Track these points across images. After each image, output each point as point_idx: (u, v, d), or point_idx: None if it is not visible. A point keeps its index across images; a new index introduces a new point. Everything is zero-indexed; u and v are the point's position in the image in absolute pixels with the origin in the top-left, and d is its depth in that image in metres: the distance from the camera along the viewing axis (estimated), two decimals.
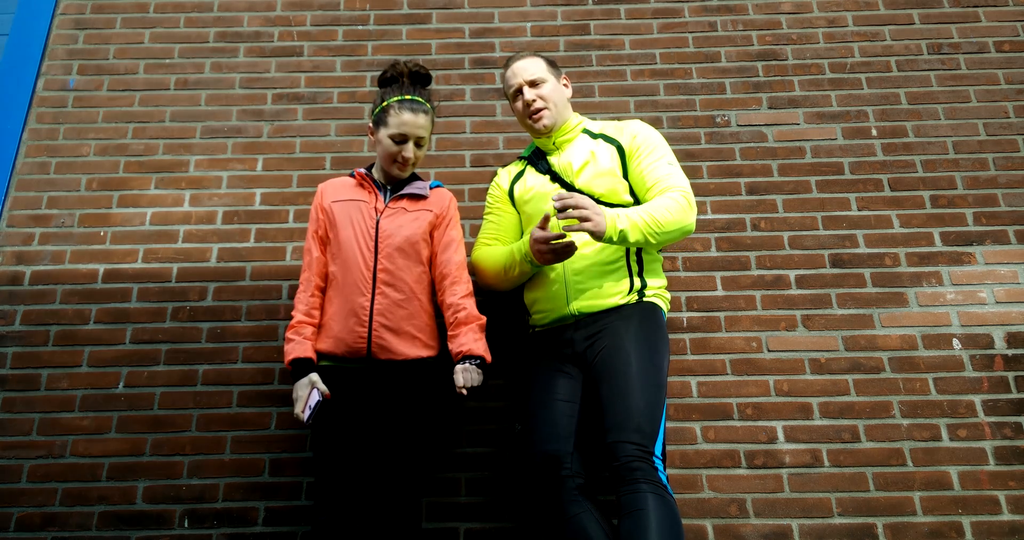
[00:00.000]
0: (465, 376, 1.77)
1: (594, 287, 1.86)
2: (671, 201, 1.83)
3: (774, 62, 2.70)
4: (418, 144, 1.92)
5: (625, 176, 1.96)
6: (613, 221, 1.74)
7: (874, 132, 2.57)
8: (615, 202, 1.93)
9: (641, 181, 1.93)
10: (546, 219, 1.81)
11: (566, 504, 1.73)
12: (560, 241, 1.77)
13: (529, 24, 2.79)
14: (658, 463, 1.68)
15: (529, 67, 2.03)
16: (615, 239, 1.75)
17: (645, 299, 1.88)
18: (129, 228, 2.47)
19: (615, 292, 1.86)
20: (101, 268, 2.42)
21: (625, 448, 1.65)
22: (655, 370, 1.76)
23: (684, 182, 1.91)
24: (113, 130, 2.62)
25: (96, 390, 2.26)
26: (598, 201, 1.93)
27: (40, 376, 2.27)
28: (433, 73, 2.69)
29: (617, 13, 2.80)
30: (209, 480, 2.15)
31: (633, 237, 1.76)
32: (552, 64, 2.09)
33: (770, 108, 2.63)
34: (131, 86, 2.70)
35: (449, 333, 1.88)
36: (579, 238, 1.90)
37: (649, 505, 1.58)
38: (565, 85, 2.10)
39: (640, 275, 1.89)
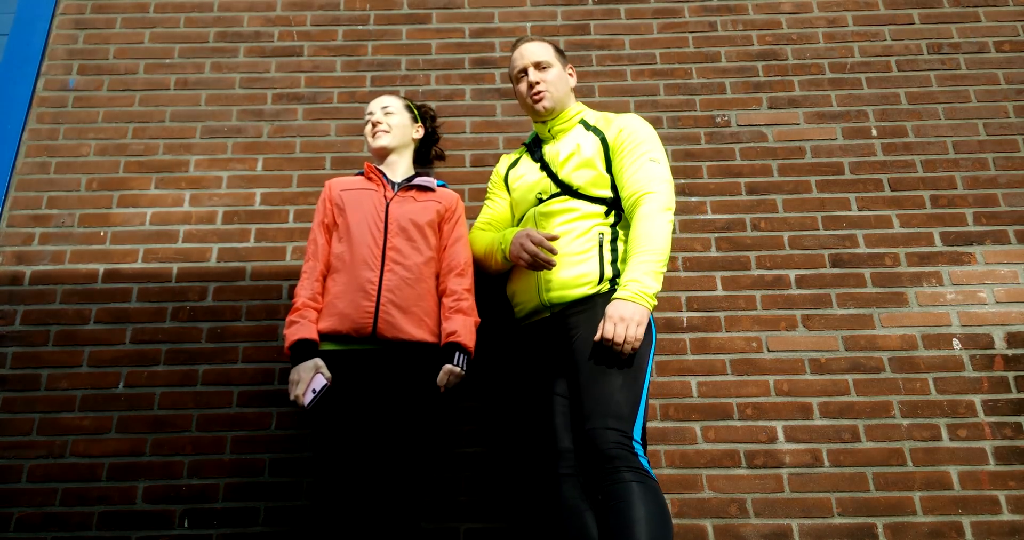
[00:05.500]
0: (450, 379, 1.83)
1: (564, 277, 1.85)
2: (648, 220, 1.79)
3: (774, 62, 2.70)
4: (386, 113, 2.13)
5: (608, 169, 1.94)
6: (646, 303, 1.71)
7: (874, 132, 2.57)
8: (593, 195, 1.92)
9: (619, 179, 1.91)
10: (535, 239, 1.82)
11: (567, 500, 1.72)
12: (541, 258, 1.80)
13: (529, 24, 2.79)
14: (638, 448, 1.65)
15: (537, 50, 2.05)
16: (653, 298, 1.74)
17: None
18: (129, 228, 2.47)
19: (584, 282, 1.83)
20: (101, 268, 2.42)
21: (603, 435, 1.63)
22: (632, 353, 1.73)
23: (659, 179, 1.85)
24: (113, 130, 2.62)
25: (96, 390, 2.26)
26: (577, 192, 1.93)
27: (40, 376, 2.27)
28: (433, 73, 2.71)
29: (617, 13, 2.80)
30: (209, 480, 2.15)
31: (659, 279, 1.76)
32: (559, 51, 2.11)
33: (770, 108, 2.63)
34: (131, 86, 2.70)
35: (443, 316, 1.92)
36: (554, 231, 1.90)
37: (634, 495, 1.56)
38: (570, 74, 2.11)
39: (613, 264, 1.86)
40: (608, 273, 1.84)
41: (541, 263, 1.81)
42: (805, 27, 2.75)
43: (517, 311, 2.02)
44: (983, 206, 2.45)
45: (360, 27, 2.79)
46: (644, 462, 1.64)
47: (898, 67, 2.67)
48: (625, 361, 1.72)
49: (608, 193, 1.93)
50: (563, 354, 1.86)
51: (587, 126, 2.03)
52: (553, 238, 1.82)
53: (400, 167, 2.12)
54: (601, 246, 1.88)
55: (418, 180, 2.06)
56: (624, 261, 1.87)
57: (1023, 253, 2.38)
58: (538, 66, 2.03)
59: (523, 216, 2.03)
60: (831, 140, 2.57)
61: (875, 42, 2.72)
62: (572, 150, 1.97)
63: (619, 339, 1.67)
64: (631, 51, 2.73)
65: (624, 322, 1.68)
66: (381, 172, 2.07)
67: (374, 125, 2.12)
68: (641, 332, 1.69)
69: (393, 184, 2.05)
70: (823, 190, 2.49)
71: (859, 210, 2.46)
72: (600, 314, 1.77)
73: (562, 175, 1.96)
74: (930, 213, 2.45)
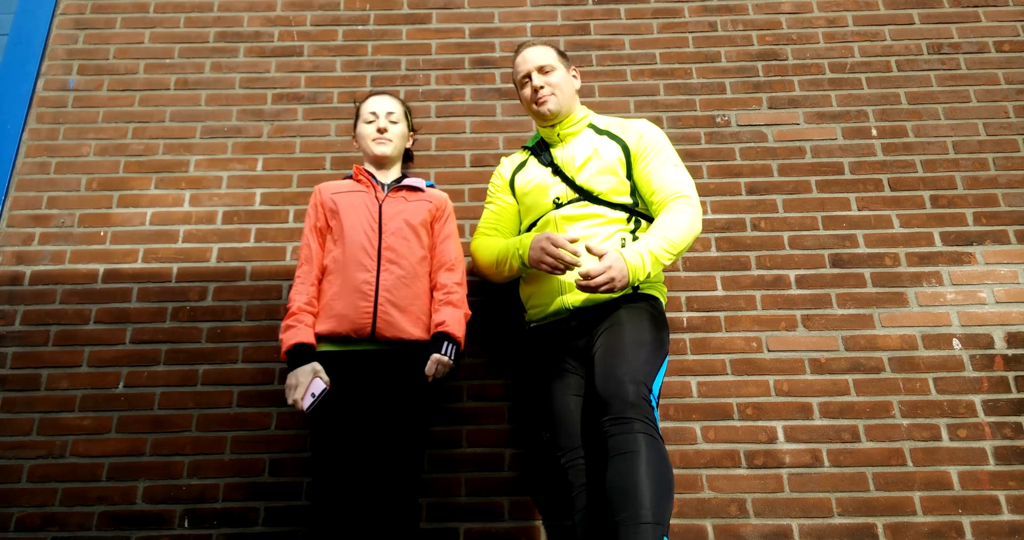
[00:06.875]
0: (438, 368, 1.82)
1: None
2: (680, 214, 1.83)
3: (774, 62, 2.70)
4: (391, 121, 2.09)
5: (628, 176, 1.96)
6: (635, 270, 1.72)
7: (874, 132, 2.57)
8: (613, 202, 1.93)
9: (646, 184, 1.93)
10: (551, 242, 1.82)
11: (580, 480, 1.78)
12: (566, 261, 1.77)
13: (529, 24, 2.79)
14: (653, 401, 1.68)
15: (540, 54, 2.05)
16: (642, 280, 1.77)
17: (641, 291, 1.88)
18: (129, 228, 2.47)
19: None
20: (101, 268, 2.41)
21: (624, 385, 1.63)
22: (653, 331, 1.77)
23: (689, 184, 1.91)
24: (113, 130, 2.62)
25: (96, 390, 2.26)
26: (597, 198, 1.93)
27: (40, 376, 2.27)
28: (433, 73, 2.71)
29: (617, 13, 2.80)
30: (209, 480, 2.15)
31: (656, 269, 1.78)
32: (562, 54, 2.11)
33: (770, 108, 2.62)
34: (131, 86, 2.70)
35: (433, 309, 1.92)
36: (574, 234, 1.89)
37: (643, 445, 1.57)
38: (575, 76, 2.11)
39: None
40: None
41: (566, 266, 1.78)
42: (805, 27, 2.75)
43: (533, 313, 2.00)
44: (983, 206, 2.44)
45: (360, 27, 2.79)
46: (656, 415, 1.67)
47: (898, 67, 2.67)
48: (644, 336, 1.75)
49: (628, 199, 1.95)
50: (582, 356, 1.87)
51: (598, 130, 2.03)
52: (573, 240, 1.81)
53: (391, 171, 2.13)
54: None
55: (407, 180, 2.06)
56: None
57: (1023, 253, 2.38)
58: (541, 70, 2.03)
59: (537, 221, 2.02)
60: (831, 140, 2.57)
61: (875, 42, 2.72)
62: (589, 155, 1.97)
63: (600, 280, 1.67)
64: (631, 51, 2.73)
65: (613, 279, 1.68)
66: (371, 174, 2.07)
67: (380, 131, 2.08)
68: (608, 294, 1.74)
69: (383, 185, 2.05)
70: (823, 190, 2.49)
71: (859, 210, 2.46)
72: (626, 312, 1.81)
73: (580, 180, 1.95)
74: (930, 213, 2.44)
